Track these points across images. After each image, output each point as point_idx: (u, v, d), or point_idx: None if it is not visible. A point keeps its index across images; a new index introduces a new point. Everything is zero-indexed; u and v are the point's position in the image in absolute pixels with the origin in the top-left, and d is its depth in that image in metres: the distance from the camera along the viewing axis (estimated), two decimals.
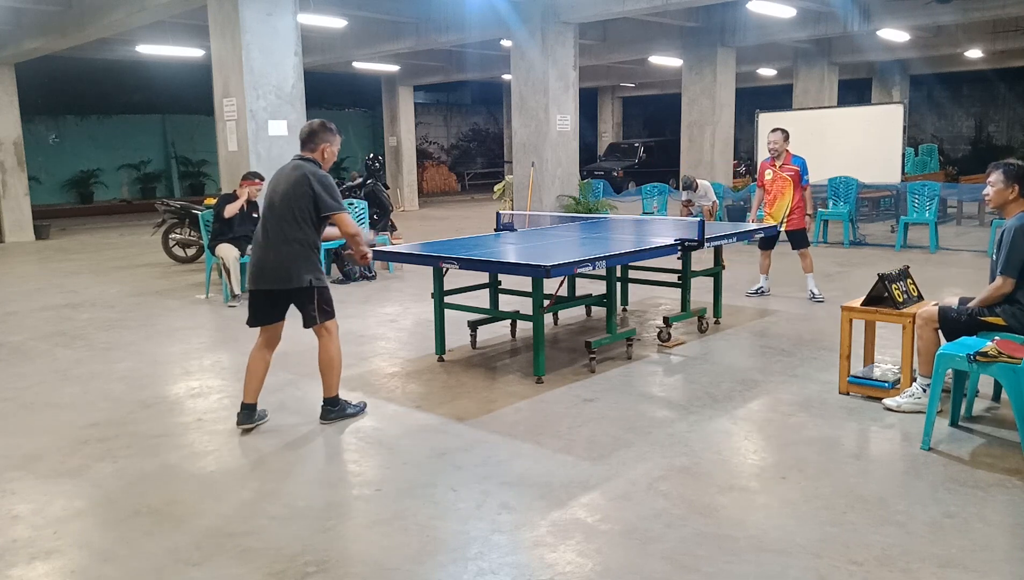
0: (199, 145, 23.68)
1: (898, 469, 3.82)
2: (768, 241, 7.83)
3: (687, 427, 4.39)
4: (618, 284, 6.60)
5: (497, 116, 30.86)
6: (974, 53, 19.07)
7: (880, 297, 4.74)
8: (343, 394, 4.67)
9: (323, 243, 4.47)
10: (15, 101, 14.51)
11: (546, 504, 3.48)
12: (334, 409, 4.56)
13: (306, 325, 4.41)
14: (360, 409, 4.67)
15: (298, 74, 8.97)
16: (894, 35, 15.29)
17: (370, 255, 4.58)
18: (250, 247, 8.05)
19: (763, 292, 8.03)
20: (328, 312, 4.39)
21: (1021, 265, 4.18)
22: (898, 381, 4.70)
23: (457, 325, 6.21)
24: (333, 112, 26.64)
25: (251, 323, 4.46)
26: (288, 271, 4.24)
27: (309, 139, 4.40)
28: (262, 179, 8.29)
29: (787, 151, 7.69)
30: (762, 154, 8.25)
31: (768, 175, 7.80)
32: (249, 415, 4.50)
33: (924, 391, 4.40)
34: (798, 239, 7.74)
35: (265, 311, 4.41)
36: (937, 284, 7.92)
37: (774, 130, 7.82)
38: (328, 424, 4.52)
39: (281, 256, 4.24)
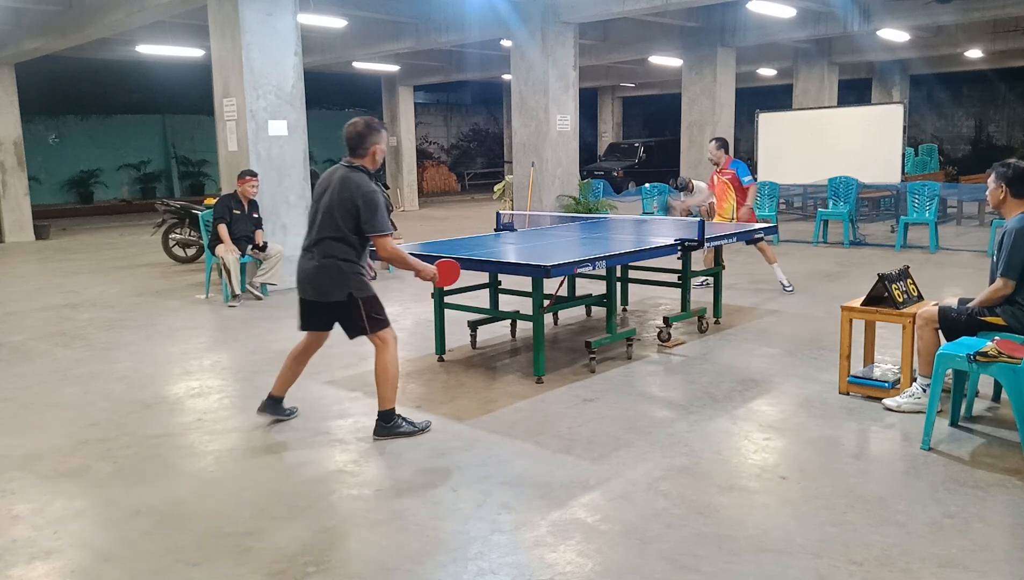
0: (199, 145, 23.69)
1: (898, 469, 3.82)
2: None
3: (687, 427, 4.39)
4: (618, 284, 6.60)
5: (497, 116, 30.86)
6: (974, 53, 19.07)
7: (880, 297, 4.74)
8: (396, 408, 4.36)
9: None
10: (15, 101, 14.50)
11: (546, 504, 3.48)
12: (387, 425, 4.28)
13: (351, 336, 4.29)
14: (422, 428, 4.36)
15: (298, 74, 8.97)
16: (894, 35, 15.29)
17: (428, 276, 4.36)
18: (250, 247, 8.19)
19: (707, 284, 8.36)
20: (379, 321, 4.20)
21: (1021, 267, 4.18)
22: (898, 381, 4.70)
23: (457, 325, 6.21)
24: (333, 112, 26.65)
25: (300, 327, 4.41)
26: (326, 285, 4.16)
27: (358, 144, 4.14)
28: (256, 176, 8.33)
29: (726, 157, 8.45)
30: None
31: (714, 181, 8.57)
32: (270, 405, 4.56)
33: (924, 391, 4.40)
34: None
35: (311, 318, 4.35)
36: (937, 284, 7.92)
37: (711, 140, 8.66)
38: (381, 440, 4.26)
39: (321, 269, 4.15)
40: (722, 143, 8.49)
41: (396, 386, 4.30)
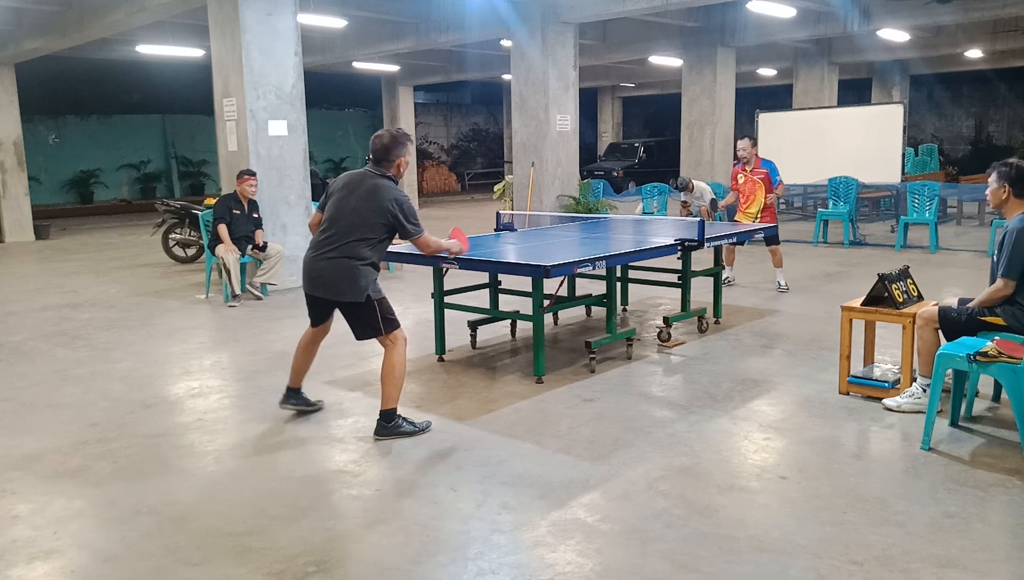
0: (199, 145, 23.68)
1: (898, 469, 3.82)
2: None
3: (687, 427, 4.39)
4: (618, 284, 6.60)
5: (497, 116, 30.86)
6: (974, 53, 19.08)
7: (880, 297, 4.74)
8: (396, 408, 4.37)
9: None
10: (15, 101, 14.50)
11: (546, 504, 3.48)
12: (388, 425, 4.28)
13: (360, 337, 4.38)
14: (422, 428, 4.35)
15: (298, 74, 8.97)
16: (894, 35, 15.30)
17: (460, 250, 4.73)
18: (250, 247, 8.18)
19: (728, 282, 8.52)
20: (392, 321, 4.30)
21: (1022, 267, 4.18)
22: (898, 381, 4.70)
23: (457, 325, 6.21)
24: (333, 112, 26.66)
25: (312, 323, 4.55)
26: (343, 285, 4.20)
27: (383, 156, 4.26)
28: (255, 175, 8.33)
29: (756, 156, 8.39)
30: (763, 154, 8.55)
31: (740, 179, 8.46)
32: (289, 397, 4.67)
33: (924, 391, 4.40)
34: (770, 237, 8.16)
35: (321, 313, 4.47)
36: (937, 284, 7.92)
37: (743, 137, 8.61)
38: (382, 440, 4.25)
39: (340, 269, 4.19)
40: (755, 140, 8.55)
41: (401, 386, 4.33)
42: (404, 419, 4.35)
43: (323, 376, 5.44)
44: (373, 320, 4.25)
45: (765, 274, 8.86)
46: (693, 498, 3.50)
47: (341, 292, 4.21)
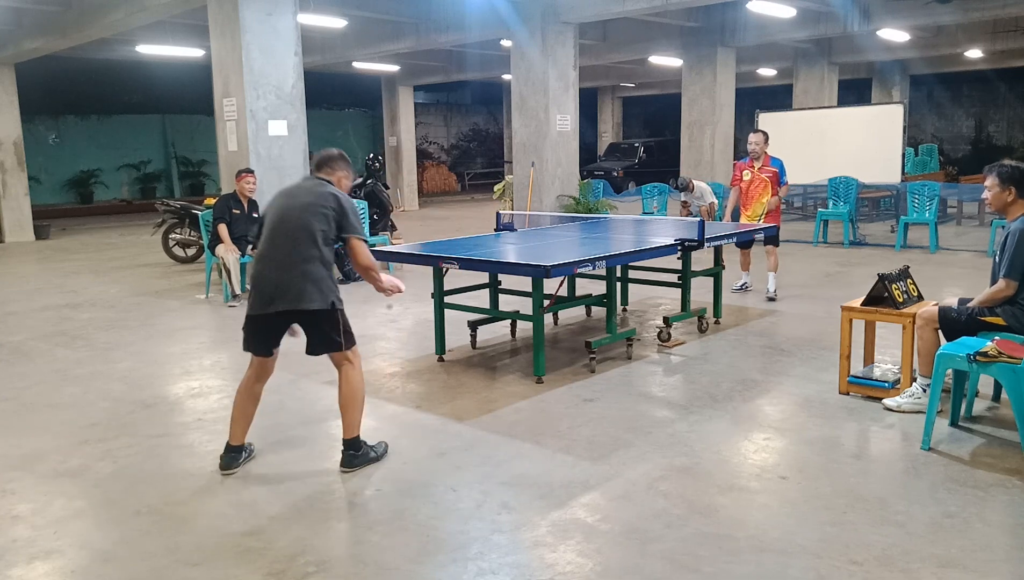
0: (199, 145, 23.67)
1: (898, 469, 3.83)
2: (746, 240, 7.91)
3: (687, 427, 4.39)
4: (618, 284, 6.60)
5: (497, 116, 30.84)
6: (974, 53, 19.07)
7: (880, 297, 4.74)
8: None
9: None
10: (15, 101, 14.50)
11: (546, 504, 3.48)
12: (358, 454, 3.92)
13: (317, 352, 3.90)
14: (384, 450, 4.08)
15: (298, 74, 8.97)
16: (894, 35, 15.29)
17: (389, 286, 4.03)
18: (250, 247, 8.17)
19: (747, 287, 8.29)
20: (352, 335, 3.91)
21: (1023, 268, 4.17)
22: (898, 381, 4.71)
23: (457, 325, 6.21)
24: (333, 112, 26.65)
25: (247, 348, 3.97)
26: (309, 291, 3.75)
27: (326, 162, 4.00)
28: (253, 173, 8.33)
29: (766, 153, 7.94)
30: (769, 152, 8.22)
31: (746, 175, 8.01)
32: (234, 458, 3.97)
33: (924, 391, 4.40)
34: (770, 237, 7.81)
35: (265, 338, 3.91)
36: (937, 284, 7.92)
37: (755, 131, 8.12)
38: (350, 472, 3.87)
39: (301, 275, 3.75)
40: (767, 136, 7.99)
41: (362, 409, 3.97)
42: (366, 444, 4.01)
43: (323, 376, 5.43)
44: (335, 332, 3.83)
45: (764, 274, 8.84)
46: (693, 498, 3.50)
47: (309, 299, 3.74)
